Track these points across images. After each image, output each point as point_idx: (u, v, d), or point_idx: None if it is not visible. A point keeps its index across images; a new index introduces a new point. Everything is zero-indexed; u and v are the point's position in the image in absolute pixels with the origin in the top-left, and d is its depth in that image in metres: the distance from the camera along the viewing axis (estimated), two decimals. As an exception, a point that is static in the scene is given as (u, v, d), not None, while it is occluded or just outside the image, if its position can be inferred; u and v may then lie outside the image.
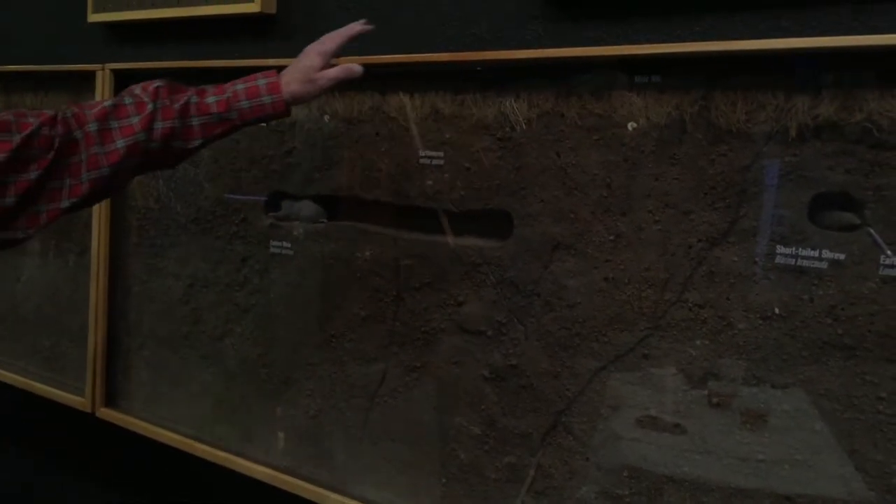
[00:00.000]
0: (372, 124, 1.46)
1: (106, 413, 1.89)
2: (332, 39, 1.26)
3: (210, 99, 1.20)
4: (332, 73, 1.24)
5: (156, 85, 1.19)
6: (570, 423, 1.28)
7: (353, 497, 1.49)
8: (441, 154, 1.38)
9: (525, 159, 1.30)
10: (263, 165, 1.62)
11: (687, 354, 1.17)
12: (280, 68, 1.25)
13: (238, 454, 1.66)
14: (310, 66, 1.23)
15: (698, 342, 1.16)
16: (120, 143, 1.14)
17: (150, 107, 1.16)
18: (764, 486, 1.12)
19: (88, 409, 1.91)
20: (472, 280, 1.36)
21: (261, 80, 1.22)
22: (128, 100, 1.17)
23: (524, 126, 1.30)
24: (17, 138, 1.07)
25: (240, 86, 1.21)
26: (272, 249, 1.61)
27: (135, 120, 1.15)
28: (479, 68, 1.33)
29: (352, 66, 1.25)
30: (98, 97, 1.82)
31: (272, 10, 1.58)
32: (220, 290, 1.71)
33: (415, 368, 1.44)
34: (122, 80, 1.81)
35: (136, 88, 1.19)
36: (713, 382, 1.16)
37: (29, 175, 1.08)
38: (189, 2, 1.67)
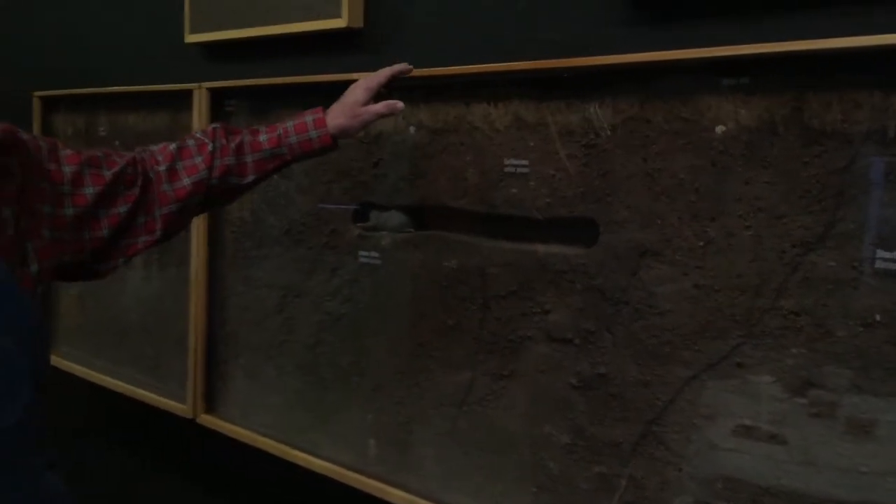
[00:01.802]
0: (457, 134, 1.47)
1: (206, 419, 1.96)
2: (377, 77, 1.35)
3: (262, 137, 1.29)
4: (376, 108, 1.32)
5: (213, 126, 1.29)
6: (661, 433, 1.26)
7: (443, 504, 1.50)
8: (525, 162, 1.38)
9: (610, 165, 1.29)
10: (352, 177, 1.65)
11: (783, 363, 1.14)
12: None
13: (331, 460, 1.69)
14: (354, 101, 1.32)
15: (795, 350, 1.13)
16: (186, 181, 1.23)
17: (209, 147, 1.25)
18: (867, 498, 1.08)
19: (190, 416, 1.98)
20: (558, 288, 1.36)
21: (308, 117, 1.30)
22: (190, 142, 1.26)
23: (609, 132, 1.29)
24: (108, 174, 1.16)
25: (289, 123, 1.30)
26: (361, 259, 1.64)
27: (198, 160, 1.25)
28: (565, 75, 1.32)
29: (395, 102, 1.33)
30: (195, 115, 1.89)
31: (359, 24, 1.61)
32: (312, 300, 1.75)
33: (502, 377, 1.44)
34: (218, 98, 1.88)
35: (198, 132, 1.30)
36: (812, 391, 1.12)
37: (118, 209, 1.17)
38: (279, 20, 1.72)
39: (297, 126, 1.29)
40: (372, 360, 1.64)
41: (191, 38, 1.94)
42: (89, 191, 1.13)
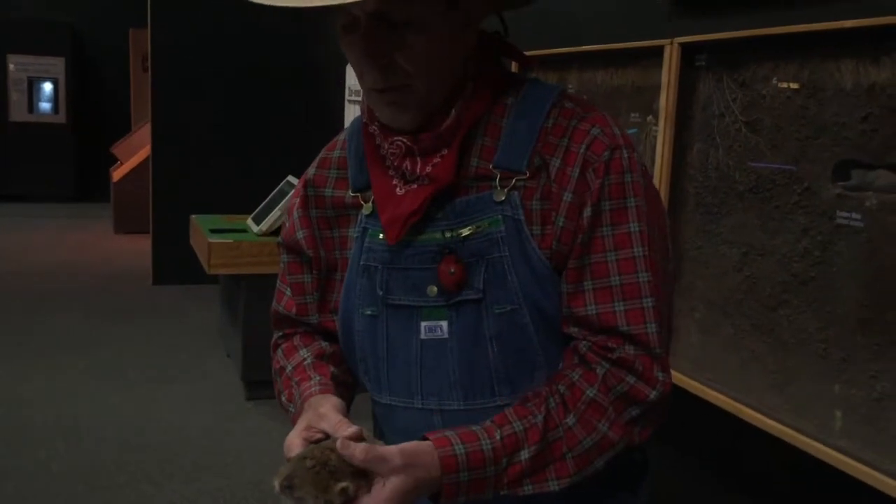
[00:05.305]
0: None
1: (657, 367, 2.02)
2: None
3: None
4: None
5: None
6: None
7: (921, 493, 1.38)
8: None
9: None
10: (833, 133, 1.55)
11: None
12: None
13: (789, 426, 1.64)
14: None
15: None
16: None
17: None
18: None
19: (641, 362, 2.06)
20: None
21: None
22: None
23: None
24: None
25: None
26: (838, 221, 1.54)
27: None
28: None
29: None
30: (665, 71, 1.92)
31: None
32: (776, 260, 1.69)
33: None
34: (688, 54, 1.88)
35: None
36: None
37: None
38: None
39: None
40: (843, 329, 1.54)
41: (662, -6, 1.97)
42: None
